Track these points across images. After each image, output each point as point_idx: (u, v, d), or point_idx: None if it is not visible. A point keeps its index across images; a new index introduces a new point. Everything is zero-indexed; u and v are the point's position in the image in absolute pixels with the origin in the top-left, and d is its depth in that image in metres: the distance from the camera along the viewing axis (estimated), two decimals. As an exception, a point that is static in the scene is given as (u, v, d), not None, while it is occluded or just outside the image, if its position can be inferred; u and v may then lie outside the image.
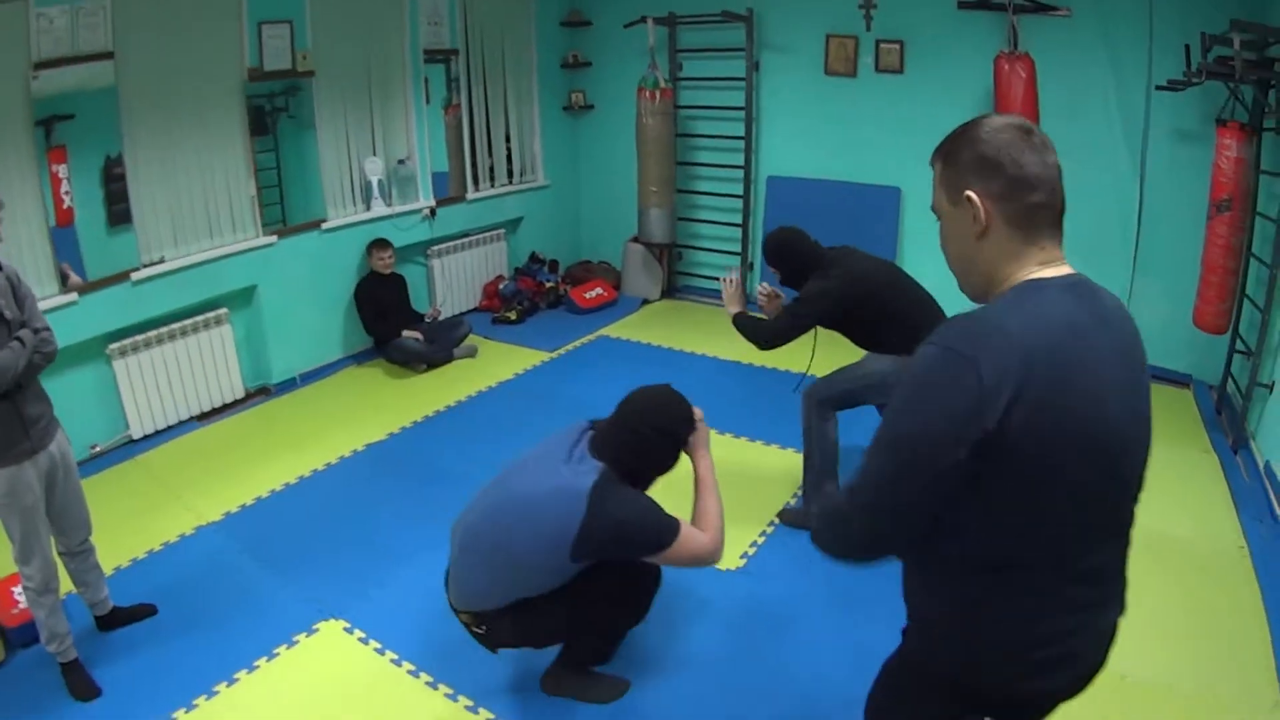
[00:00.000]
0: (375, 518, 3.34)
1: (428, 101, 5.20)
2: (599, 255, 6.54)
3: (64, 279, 3.60)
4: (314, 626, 2.70)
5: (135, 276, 3.86)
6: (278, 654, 2.58)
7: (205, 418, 4.34)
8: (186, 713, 2.33)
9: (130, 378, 3.97)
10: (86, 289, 3.70)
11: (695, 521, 2.03)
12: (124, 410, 3.98)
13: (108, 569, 2.84)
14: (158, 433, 4.13)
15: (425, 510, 3.32)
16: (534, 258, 6.16)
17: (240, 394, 4.50)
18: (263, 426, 4.27)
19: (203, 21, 3.96)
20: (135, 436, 4.04)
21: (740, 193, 5.74)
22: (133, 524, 3.31)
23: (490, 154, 5.74)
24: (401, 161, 5.10)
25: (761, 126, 5.66)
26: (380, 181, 4.94)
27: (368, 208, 4.96)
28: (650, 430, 2.03)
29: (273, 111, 4.50)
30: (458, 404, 4.41)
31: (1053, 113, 4.29)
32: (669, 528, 1.94)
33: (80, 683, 2.42)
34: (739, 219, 5.81)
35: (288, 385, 4.68)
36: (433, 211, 5.30)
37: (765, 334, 2.97)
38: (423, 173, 5.23)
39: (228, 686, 2.44)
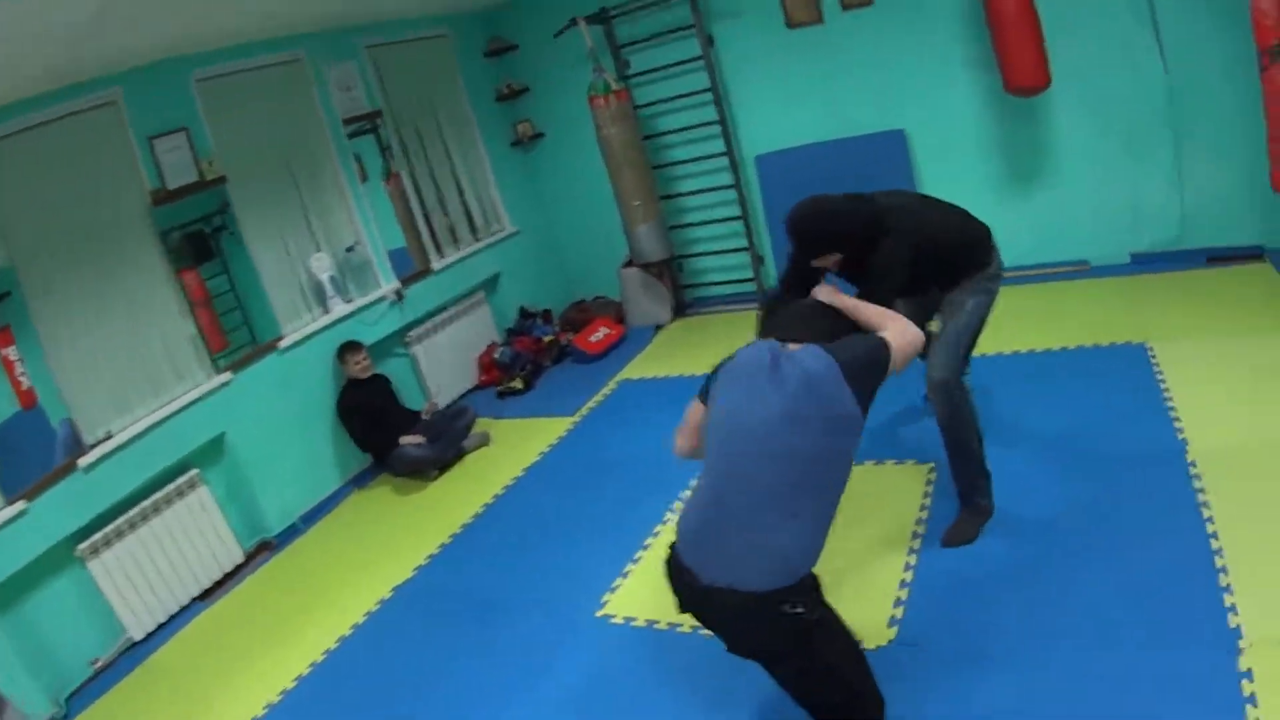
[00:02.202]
0: (441, 680, 2.99)
1: (364, 179, 5.01)
2: (593, 291, 6.32)
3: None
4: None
5: (83, 462, 3.61)
6: None
7: (208, 595, 4.08)
8: None
9: (111, 576, 3.71)
10: (34, 491, 3.44)
11: (873, 332, 2.13)
12: (115, 613, 3.71)
13: None
14: (160, 628, 3.87)
15: (495, 653, 3.03)
16: (524, 313, 5.93)
17: (240, 558, 4.24)
18: (274, 591, 4.01)
19: (86, 157, 3.76)
20: (136, 638, 3.78)
21: (730, 182, 5.50)
22: None
23: (446, 214, 5.53)
24: (350, 249, 4.89)
25: (734, 104, 5.45)
26: (332, 278, 4.71)
27: (325, 310, 4.72)
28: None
29: (214, 232, 4.31)
30: (487, 508, 4.12)
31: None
32: (881, 341, 2.06)
33: None
34: (736, 211, 5.57)
35: (290, 534, 4.42)
36: (399, 295, 5.07)
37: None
38: (377, 256, 5.02)
39: None
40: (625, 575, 3.26)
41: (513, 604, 3.27)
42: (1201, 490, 2.81)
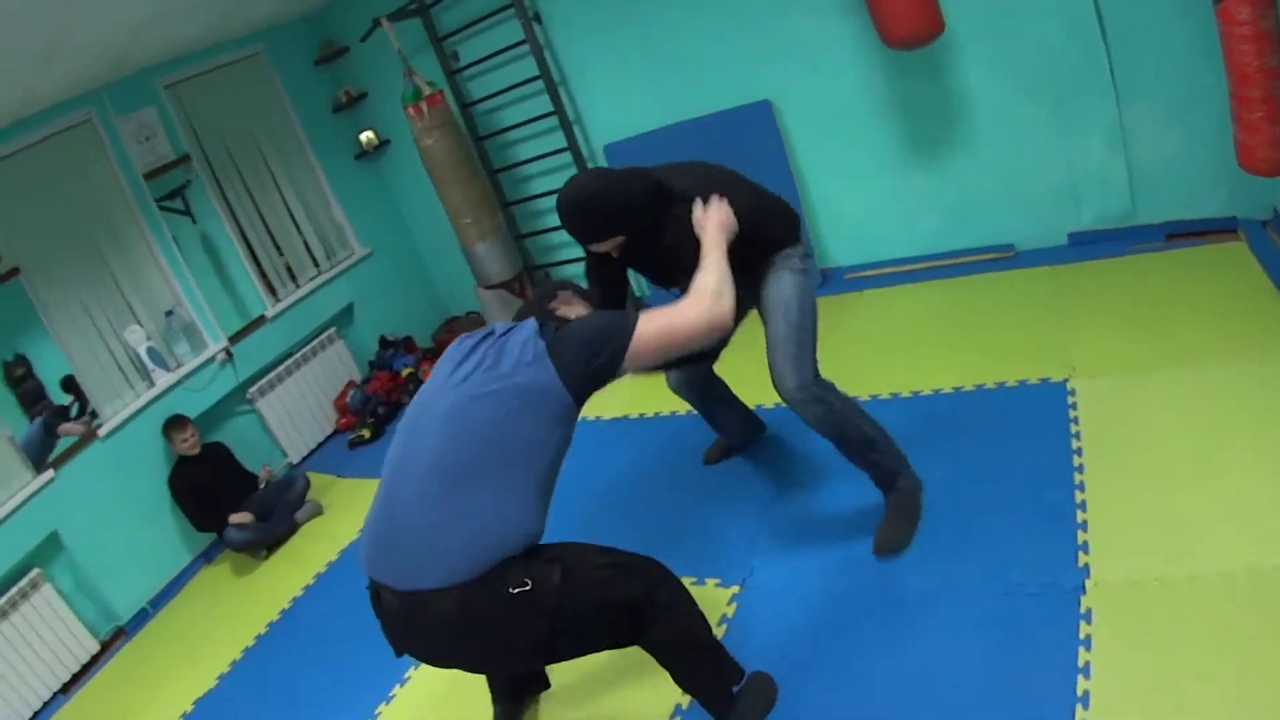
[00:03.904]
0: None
1: (176, 241, 5.80)
2: (465, 306, 7.06)
3: None
4: None
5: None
6: None
7: (69, 688, 5.09)
8: None
9: None
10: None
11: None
12: (-23, 728, 4.78)
13: None
14: (26, 727, 4.94)
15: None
16: (384, 343, 6.74)
17: (95, 649, 5.20)
18: (124, 680, 4.95)
19: None
20: None
21: (578, 179, 6.12)
22: None
23: (281, 253, 6.32)
24: (170, 313, 5.73)
25: (574, 90, 5.99)
26: (150, 349, 5.55)
27: (150, 384, 5.62)
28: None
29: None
30: (295, 602, 4.83)
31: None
32: (628, 316, 2.39)
33: None
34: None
35: (141, 618, 5.40)
36: (228, 353, 5.92)
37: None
38: (200, 315, 5.86)
39: None
40: (405, 683, 3.86)
41: (321, 696, 4.04)
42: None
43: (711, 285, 2.45)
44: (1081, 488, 3.19)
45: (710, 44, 5.41)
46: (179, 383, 5.70)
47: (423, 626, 2.19)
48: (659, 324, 2.35)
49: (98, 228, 5.53)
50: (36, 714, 4.94)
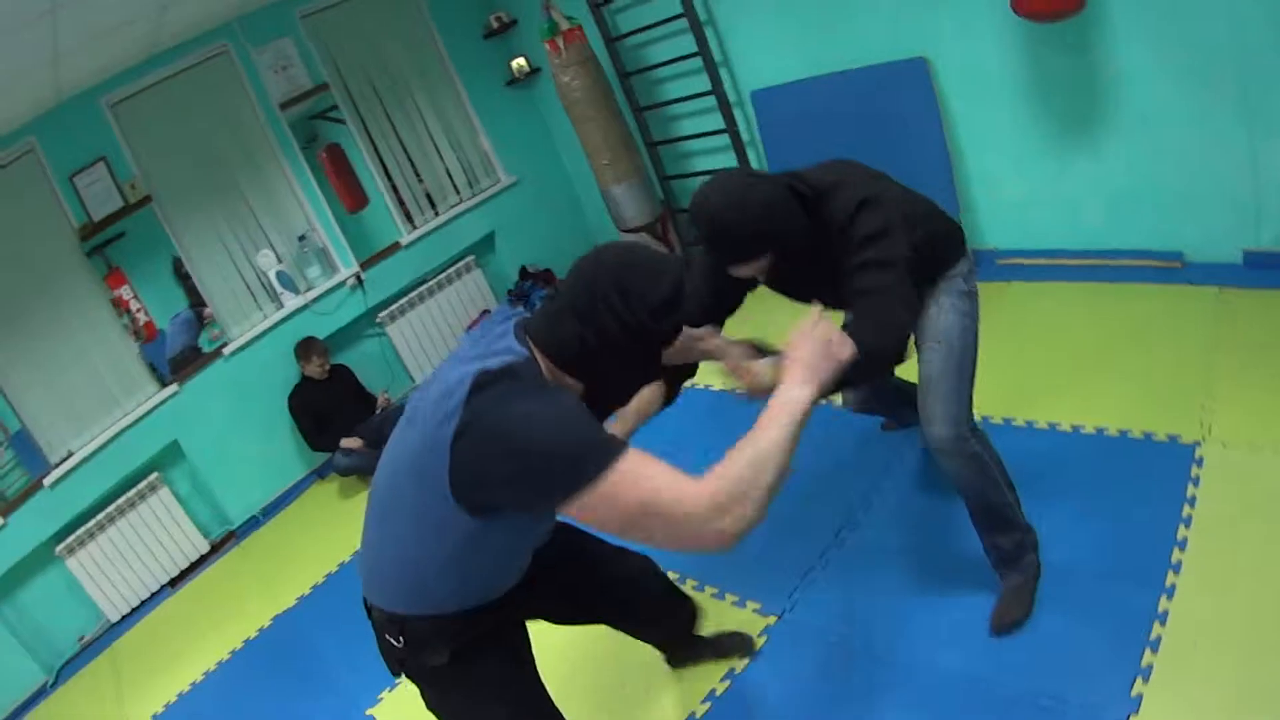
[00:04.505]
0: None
1: (311, 168, 6.24)
2: (616, 238, 7.10)
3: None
4: None
5: (48, 481, 5.44)
6: None
7: (177, 582, 5.89)
8: None
9: (87, 570, 5.59)
10: (8, 508, 5.33)
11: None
12: (94, 600, 5.62)
13: None
14: (134, 610, 5.76)
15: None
16: (524, 274, 6.94)
17: (205, 549, 5.99)
18: (230, 577, 5.74)
19: (10, 204, 5.36)
20: (114, 620, 5.71)
21: (720, 125, 5.97)
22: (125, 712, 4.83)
23: (420, 179, 6.62)
24: (303, 238, 6.19)
25: (721, 30, 5.81)
26: (280, 273, 6.09)
27: (279, 305, 6.14)
28: (606, 289, 1.84)
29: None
30: None
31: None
32: (602, 445, 1.68)
33: None
34: (731, 159, 6.04)
35: (251, 525, 6.10)
36: (359, 279, 6.36)
37: (890, 324, 2.44)
38: (333, 239, 6.30)
39: None
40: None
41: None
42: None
43: (739, 479, 1.68)
44: (1170, 593, 2.87)
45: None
46: (307, 306, 6.25)
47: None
48: (644, 490, 1.65)
49: (234, 155, 6.06)
50: (144, 603, 5.83)
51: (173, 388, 5.82)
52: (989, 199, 5.24)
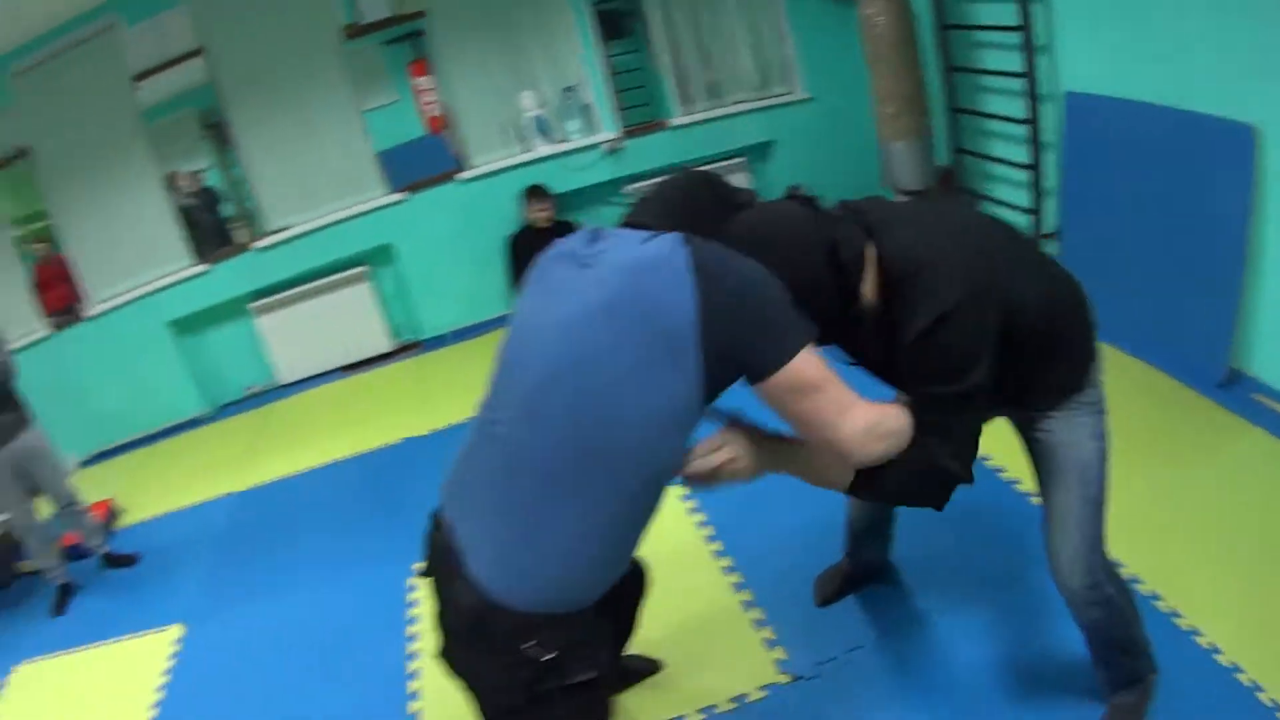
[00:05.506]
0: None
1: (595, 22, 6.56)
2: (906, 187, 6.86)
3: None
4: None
5: (257, 245, 6.36)
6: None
7: (352, 368, 6.77)
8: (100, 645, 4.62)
9: (274, 331, 6.66)
10: (216, 258, 6.32)
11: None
12: (272, 360, 6.60)
13: (223, 490, 5.58)
14: (305, 380, 6.72)
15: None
16: (791, 194, 6.86)
17: (387, 348, 6.81)
18: (404, 382, 6.56)
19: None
20: (283, 382, 6.73)
21: (1023, 114, 5.55)
22: (249, 462, 5.87)
23: (711, 67, 6.69)
24: (569, 90, 6.53)
25: (1055, 7, 5.33)
26: (538, 118, 6.51)
27: (528, 148, 6.58)
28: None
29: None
30: None
31: None
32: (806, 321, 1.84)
33: (57, 603, 4.98)
34: (1024, 155, 5.62)
35: (438, 341, 6.81)
36: (618, 145, 6.65)
37: (956, 469, 2.09)
38: (600, 101, 6.64)
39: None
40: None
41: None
42: None
43: (893, 421, 1.92)
44: None
45: (1215, 19, 4.46)
46: (555, 156, 6.71)
47: (445, 579, 1.95)
48: (827, 371, 1.82)
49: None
50: (315, 376, 6.87)
51: (399, 195, 6.49)
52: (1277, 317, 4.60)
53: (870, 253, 2.11)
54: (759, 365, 1.75)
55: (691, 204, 2.08)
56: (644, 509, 1.85)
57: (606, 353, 1.72)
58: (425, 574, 2.04)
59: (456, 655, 1.98)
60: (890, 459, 1.95)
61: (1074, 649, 2.80)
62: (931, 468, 2.05)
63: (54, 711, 4.24)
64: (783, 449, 2.01)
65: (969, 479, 2.10)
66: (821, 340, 1.95)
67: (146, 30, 6.07)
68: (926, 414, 2.03)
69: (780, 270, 1.87)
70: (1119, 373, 4.14)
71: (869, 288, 2.10)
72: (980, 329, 2.06)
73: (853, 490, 2.06)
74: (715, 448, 1.93)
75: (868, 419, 1.84)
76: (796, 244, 2.01)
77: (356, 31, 6.32)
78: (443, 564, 1.92)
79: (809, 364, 1.77)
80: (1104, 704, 2.76)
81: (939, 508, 2.14)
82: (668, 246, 1.77)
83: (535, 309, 1.90)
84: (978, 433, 2.19)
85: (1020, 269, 2.24)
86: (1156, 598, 3.11)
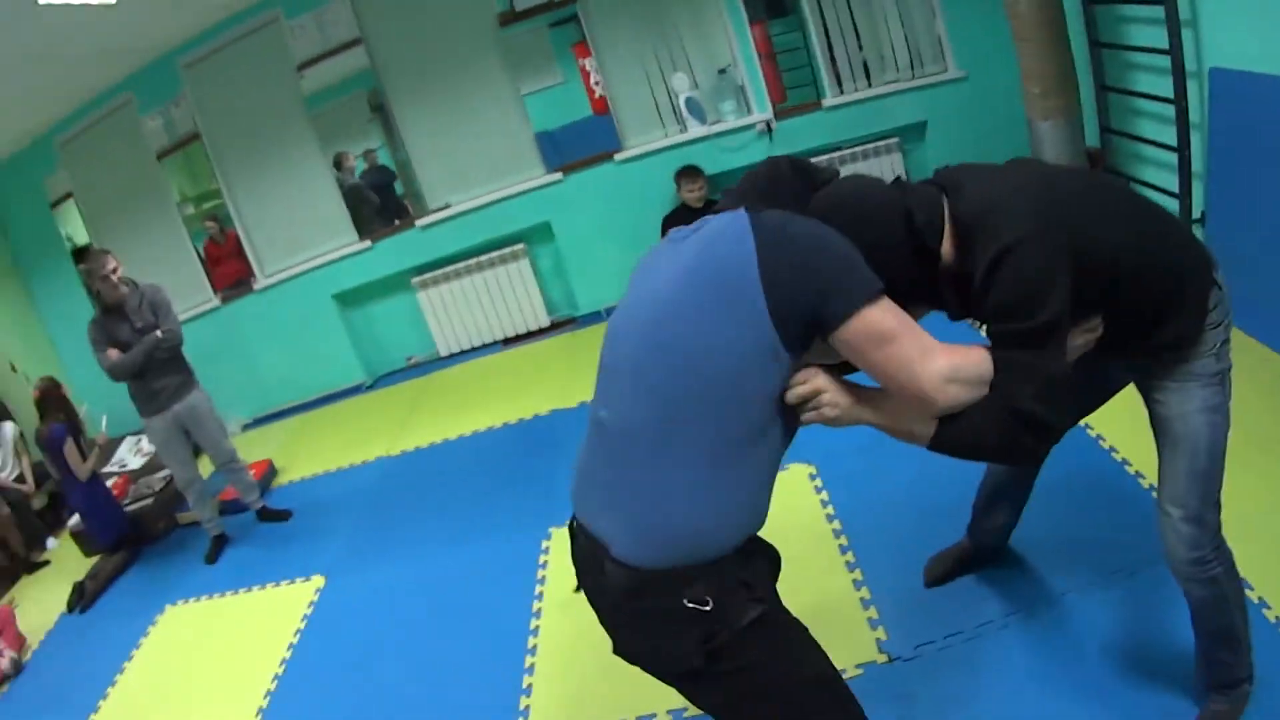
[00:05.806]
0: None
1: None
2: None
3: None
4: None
5: (420, 223, 6.94)
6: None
7: (509, 342, 7.32)
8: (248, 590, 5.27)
9: (434, 306, 7.28)
10: (378, 236, 6.94)
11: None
12: (432, 333, 7.18)
13: (376, 454, 6.21)
14: (463, 352, 7.30)
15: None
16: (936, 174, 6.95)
17: (544, 323, 7.31)
18: (558, 356, 7.02)
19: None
20: (442, 354, 7.34)
21: (1168, 93, 5.51)
22: (403, 429, 6.49)
23: (860, 47, 6.87)
24: (723, 72, 6.85)
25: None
26: (689, 99, 6.86)
27: (682, 129, 6.91)
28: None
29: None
30: None
31: None
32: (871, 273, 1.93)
33: (211, 552, 5.67)
34: (1169, 136, 5.59)
35: (593, 318, 7.24)
36: (769, 126, 6.90)
37: (1041, 412, 1.97)
38: (753, 81, 6.93)
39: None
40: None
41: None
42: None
43: (976, 364, 1.95)
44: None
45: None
46: (709, 137, 7.05)
47: (593, 572, 2.06)
48: (903, 317, 1.92)
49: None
50: (474, 349, 7.46)
51: (557, 175, 6.95)
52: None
53: (945, 213, 2.18)
54: (829, 315, 1.86)
55: (773, 185, 2.20)
56: (752, 455, 1.92)
57: (684, 308, 1.90)
58: (579, 587, 2.13)
59: (627, 642, 2.06)
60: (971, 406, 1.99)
61: (1181, 650, 2.89)
62: (1014, 411, 1.98)
63: (194, 647, 4.85)
64: (866, 393, 2.06)
65: (1057, 423, 2.00)
66: (911, 304, 2.07)
67: (308, 21, 6.75)
68: (1005, 352, 2.02)
69: (861, 238, 1.99)
70: (1259, 367, 4.27)
71: (947, 248, 2.19)
72: (1048, 261, 2.05)
73: (936, 442, 2.05)
74: (803, 381, 1.99)
75: (950, 362, 1.90)
76: (875, 212, 2.10)
77: (511, 18, 6.80)
78: (590, 566, 2.04)
79: (884, 312, 1.87)
80: (1197, 706, 2.83)
81: (1030, 460, 2.10)
82: (732, 214, 1.98)
83: (634, 288, 2.14)
84: (1067, 379, 2.08)
85: (1104, 213, 2.25)
86: (1265, 605, 3.09)
